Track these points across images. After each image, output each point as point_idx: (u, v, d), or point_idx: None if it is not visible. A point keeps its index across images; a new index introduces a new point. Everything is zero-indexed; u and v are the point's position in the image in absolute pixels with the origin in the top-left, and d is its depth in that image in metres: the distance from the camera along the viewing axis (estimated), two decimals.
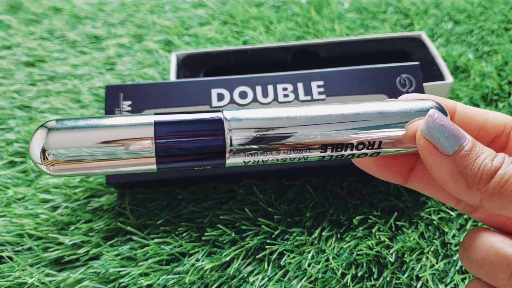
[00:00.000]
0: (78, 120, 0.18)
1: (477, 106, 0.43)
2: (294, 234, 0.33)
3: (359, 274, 0.31)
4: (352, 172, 0.37)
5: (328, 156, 0.20)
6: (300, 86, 0.36)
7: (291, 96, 0.36)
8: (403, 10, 0.56)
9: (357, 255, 0.32)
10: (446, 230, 0.33)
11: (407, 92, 0.36)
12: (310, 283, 0.30)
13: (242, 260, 0.32)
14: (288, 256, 0.32)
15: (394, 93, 0.36)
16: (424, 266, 0.31)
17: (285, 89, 0.36)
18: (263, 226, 0.33)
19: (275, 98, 0.35)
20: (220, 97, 0.35)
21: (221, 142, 0.18)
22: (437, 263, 0.31)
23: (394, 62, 0.38)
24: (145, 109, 0.35)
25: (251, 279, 0.31)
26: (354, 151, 0.20)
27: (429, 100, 0.20)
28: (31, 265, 0.32)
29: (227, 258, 0.32)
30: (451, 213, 0.34)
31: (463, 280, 0.30)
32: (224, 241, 0.33)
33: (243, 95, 0.36)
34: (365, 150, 0.20)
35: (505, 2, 0.56)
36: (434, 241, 0.32)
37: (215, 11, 0.58)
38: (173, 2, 0.60)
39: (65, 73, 0.49)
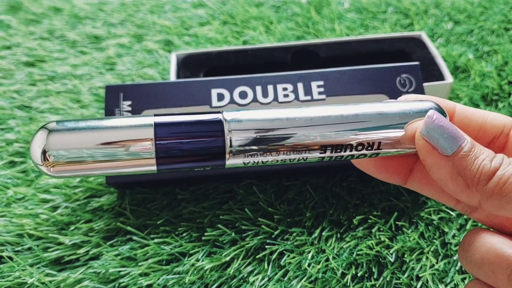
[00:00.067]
0: (78, 122, 0.18)
1: (477, 106, 0.43)
2: (294, 234, 0.33)
3: (359, 274, 0.31)
4: (352, 172, 0.37)
5: (328, 157, 0.20)
6: (300, 86, 0.36)
7: (291, 96, 0.36)
8: (403, 10, 0.56)
9: (357, 255, 0.32)
10: (446, 230, 0.33)
11: (407, 92, 0.36)
12: (310, 283, 0.30)
13: (242, 260, 0.32)
14: (288, 256, 0.32)
15: (394, 93, 0.36)
16: (424, 266, 0.31)
17: (285, 89, 0.36)
18: (263, 226, 0.33)
19: (275, 98, 0.36)
20: (220, 97, 0.35)
21: (221, 143, 0.18)
22: (437, 263, 0.31)
23: (394, 62, 0.38)
24: (145, 109, 0.35)
25: (251, 279, 0.31)
26: (354, 152, 0.20)
27: (428, 101, 0.20)
28: (31, 265, 0.32)
29: (227, 258, 0.32)
30: (451, 213, 0.34)
31: (463, 280, 0.30)
32: (224, 241, 0.33)
33: (243, 95, 0.36)
34: (364, 151, 0.20)
35: (505, 2, 0.56)
36: (434, 241, 0.33)
37: (215, 11, 0.58)
38: (173, 2, 0.60)
39: (65, 73, 0.49)
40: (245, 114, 0.19)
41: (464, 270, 0.31)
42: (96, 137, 0.17)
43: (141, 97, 0.35)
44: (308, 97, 0.36)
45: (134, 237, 0.33)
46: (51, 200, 0.36)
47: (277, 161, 0.20)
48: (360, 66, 0.37)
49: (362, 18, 0.55)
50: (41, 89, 0.47)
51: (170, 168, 0.19)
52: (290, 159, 0.20)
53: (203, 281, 0.31)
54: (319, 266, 0.31)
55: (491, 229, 0.20)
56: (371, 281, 0.31)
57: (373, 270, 0.31)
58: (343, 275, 0.31)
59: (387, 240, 0.32)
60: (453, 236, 0.33)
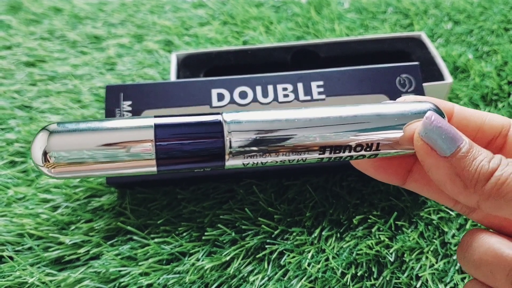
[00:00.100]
0: (79, 123, 0.18)
1: (477, 106, 0.43)
2: (294, 234, 0.33)
3: (359, 274, 0.31)
4: (352, 172, 0.37)
5: (327, 158, 0.20)
6: (300, 86, 0.36)
7: (291, 96, 0.36)
8: (403, 10, 0.56)
9: (357, 254, 0.32)
10: (445, 229, 0.33)
11: (406, 92, 0.36)
12: (310, 282, 0.31)
13: (242, 259, 0.32)
14: (288, 255, 0.32)
15: (394, 93, 0.36)
16: (423, 265, 0.31)
17: (285, 89, 0.36)
18: (263, 225, 0.34)
19: (275, 98, 0.36)
20: (220, 97, 0.36)
21: (220, 144, 0.19)
22: (436, 262, 0.31)
23: (394, 62, 0.38)
24: (145, 109, 0.35)
25: (251, 278, 0.31)
26: (353, 153, 0.20)
27: (427, 102, 0.21)
28: (32, 265, 0.32)
29: (227, 258, 0.32)
30: (451, 212, 0.34)
31: (462, 279, 0.30)
32: (224, 241, 0.33)
33: (243, 95, 0.36)
34: (363, 152, 0.20)
35: (505, 2, 0.56)
36: (434, 240, 0.33)
37: (215, 11, 0.58)
38: (173, 2, 0.60)
39: (66, 73, 0.49)
40: (245, 115, 0.19)
41: (463, 270, 0.31)
42: (97, 138, 0.18)
43: (141, 97, 0.35)
44: (308, 97, 0.36)
45: (135, 237, 0.33)
46: (52, 200, 0.36)
47: (277, 162, 0.20)
48: (360, 66, 0.37)
49: (362, 18, 0.55)
50: (41, 89, 0.47)
51: (170, 169, 0.19)
52: (289, 160, 0.20)
53: (203, 281, 0.31)
54: (319, 266, 0.31)
55: (490, 230, 0.20)
56: (371, 281, 0.31)
57: (373, 269, 0.31)
58: (343, 274, 0.31)
59: (386, 239, 0.32)
60: (453, 235, 0.33)
